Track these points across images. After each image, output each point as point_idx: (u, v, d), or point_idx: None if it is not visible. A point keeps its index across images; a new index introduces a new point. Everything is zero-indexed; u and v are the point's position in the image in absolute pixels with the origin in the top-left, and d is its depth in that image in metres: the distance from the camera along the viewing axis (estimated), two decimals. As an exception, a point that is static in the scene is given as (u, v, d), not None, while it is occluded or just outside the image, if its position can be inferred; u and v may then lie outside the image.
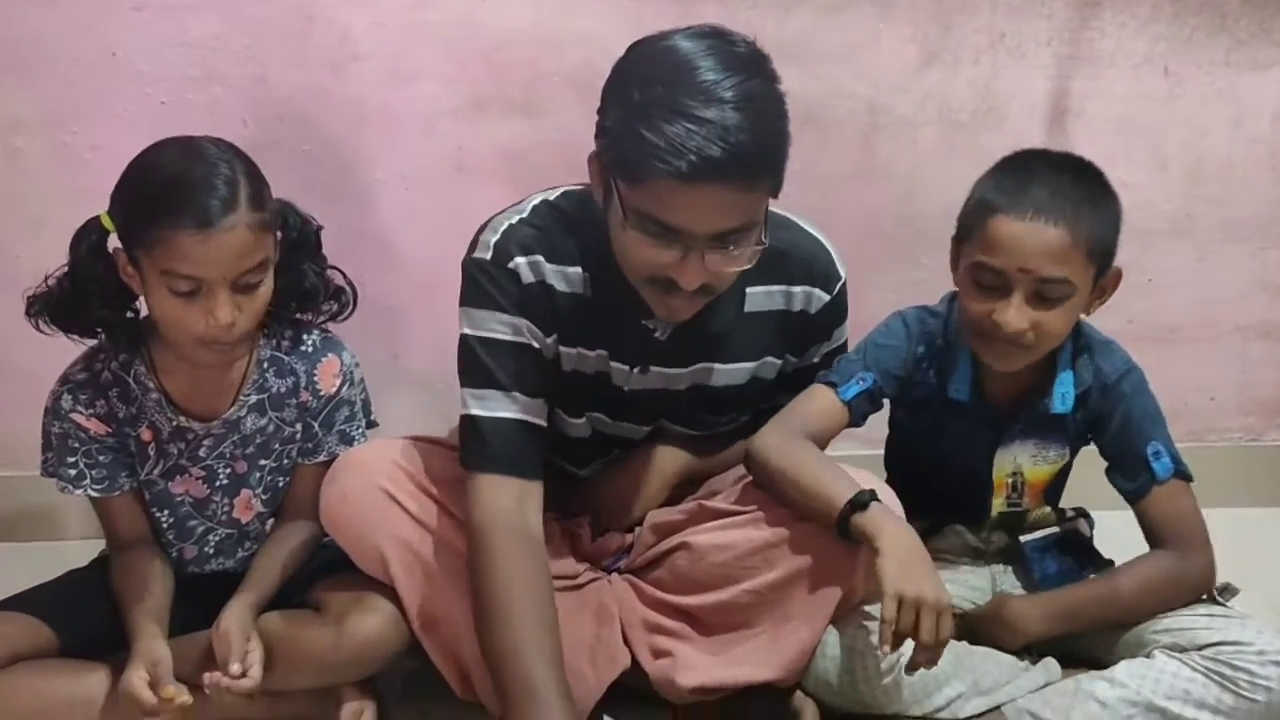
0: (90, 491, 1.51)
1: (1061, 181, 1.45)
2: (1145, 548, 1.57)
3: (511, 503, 1.40)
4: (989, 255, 1.45)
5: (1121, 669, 1.45)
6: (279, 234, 1.46)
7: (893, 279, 2.03)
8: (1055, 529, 1.64)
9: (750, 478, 1.52)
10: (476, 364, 1.44)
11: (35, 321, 1.46)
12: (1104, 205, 1.47)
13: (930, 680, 1.45)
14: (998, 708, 1.48)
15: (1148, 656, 1.46)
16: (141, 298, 1.43)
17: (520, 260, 1.44)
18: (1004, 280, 1.45)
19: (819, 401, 1.55)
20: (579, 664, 1.50)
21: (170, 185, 1.35)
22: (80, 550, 1.68)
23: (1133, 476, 1.56)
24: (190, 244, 1.33)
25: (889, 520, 1.36)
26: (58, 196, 1.87)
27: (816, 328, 1.57)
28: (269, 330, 1.54)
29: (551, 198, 1.50)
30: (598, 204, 1.39)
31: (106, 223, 1.41)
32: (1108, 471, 1.59)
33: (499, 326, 1.44)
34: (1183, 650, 1.44)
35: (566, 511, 1.64)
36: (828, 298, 1.54)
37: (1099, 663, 1.50)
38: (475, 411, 1.43)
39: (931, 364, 1.60)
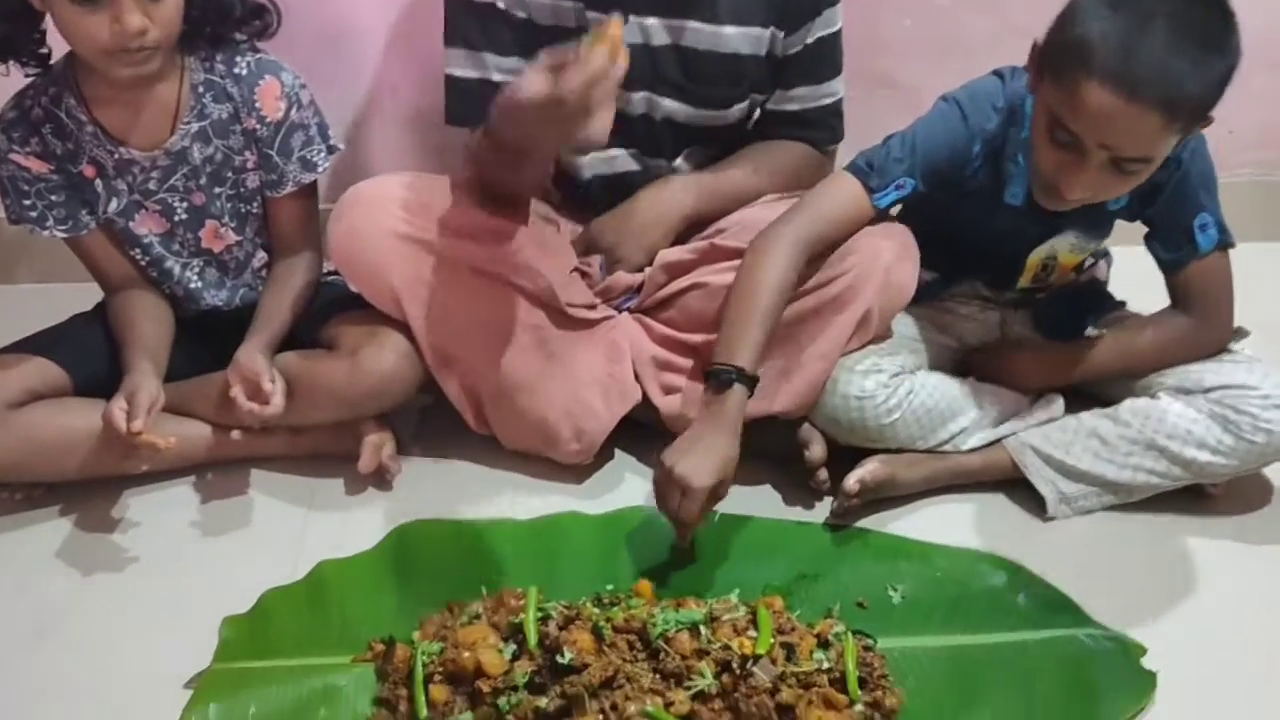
0: (56, 232, 1.49)
1: (1183, 43, 1.22)
2: (1160, 281, 1.52)
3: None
4: (1072, 118, 1.27)
5: (1125, 407, 1.47)
6: None
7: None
8: (1072, 277, 1.60)
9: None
10: (452, 21, 1.52)
11: None
12: (1221, 63, 1.25)
13: (935, 416, 1.48)
14: (1000, 441, 1.52)
15: (1152, 397, 1.47)
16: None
17: None
18: (1080, 145, 1.28)
19: (846, 203, 1.44)
20: (591, 399, 1.53)
21: None
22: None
23: (1174, 248, 1.46)
24: None
25: (714, 412, 1.34)
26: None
27: (807, 1, 1.52)
28: (196, 52, 1.48)
29: None
30: None
31: None
32: (1146, 238, 1.49)
33: None
34: (1188, 393, 1.45)
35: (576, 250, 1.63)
36: None
37: (1104, 400, 1.52)
38: (452, 69, 1.53)
39: (986, 164, 1.46)
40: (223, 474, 1.55)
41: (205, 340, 1.56)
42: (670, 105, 1.57)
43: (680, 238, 1.61)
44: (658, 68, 1.54)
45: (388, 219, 1.46)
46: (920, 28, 1.96)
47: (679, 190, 1.61)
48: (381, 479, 1.54)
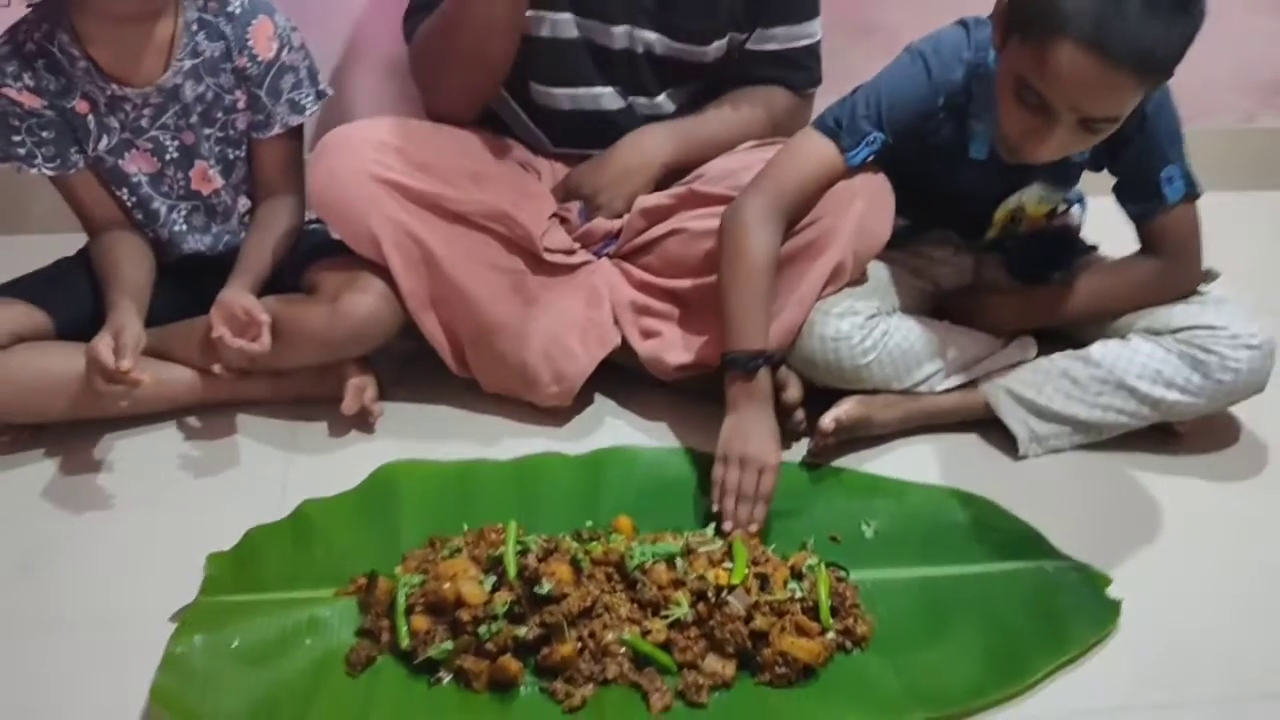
0: (44, 170, 1.49)
1: (1157, 4, 1.21)
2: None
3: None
4: (1043, 81, 1.26)
5: (1096, 349, 1.50)
6: None
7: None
8: (1044, 224, 1.62)
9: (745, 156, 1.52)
10: None
11: None
12: (1191, 23, 1.24)
13: (910, 357, 1.50)
14: (973, 382, 1.55)
15: (1123, 339, 1.50)
16: None
17: None
18: (1048, 107, 1.28)
19: (818, 164, 1.44)
20: (570, 343, 1.55)
21: None
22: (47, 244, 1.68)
23: (1142, 200, 1.47)
24: None
25: (752, 395, 1.38)
26: None
27: None
28: None
29: None
30: None
31: None
32: (1115, 189, 1.50)
33: None
34: (1157, 334, 1.47)
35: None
36: None
37: (1076, 343, 1.54)
38: None
39: (951, 118, 1.46)
40: (206, 417, 1.57)
41: (187, 285, 1.57)
42: (650, 37, 1.58)
43: (660, 184, 1.63)
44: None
45: (366, 162, 1.47)
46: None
47: (659, 137, 1.62)
48: (364, 421, 1.56)
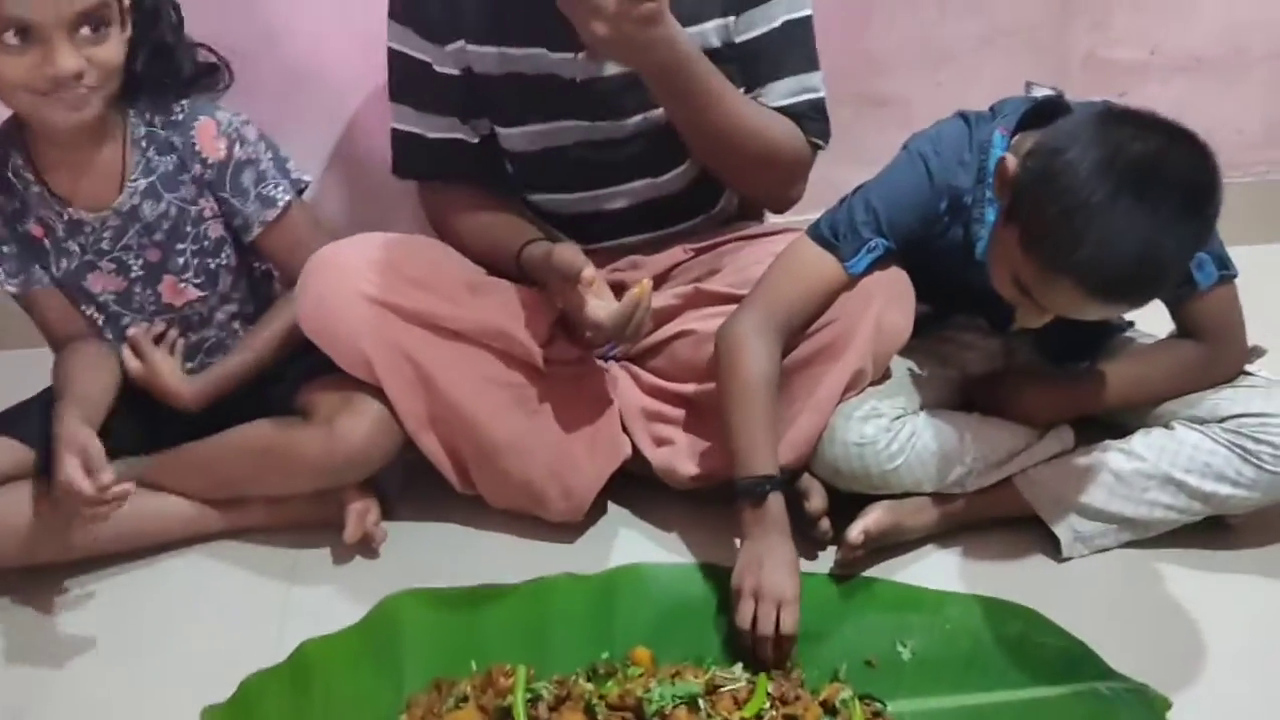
0: (8, 286, 1.46)
1: (1169, 248, 1.17)
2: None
3: (437, 212, 1.57)
4: (1038, 293, 1.24)
5: (1139, 440, 1.41)
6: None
7: None
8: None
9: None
10: (393, 76, 1.51)
11: None
12: (1201, 247, 1.25)
13: (941, 458, 1.42)
14: (1009, 478, 1.46)
15: (1166, 428, 1.41)
16: None
17: None
18: (1042, 307, 1.27)
19: (815, 278, 1.38)
20: (577, 455, 1.48)
21: None
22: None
23: (1173, 289, 1.36)
24: None
25: (763, 522, 1.31)
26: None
27: None
28: (136, 106, 1.44)
29: None
30: None
31: None
32: None
33: (408, 43, 1.46)
34: (1204, 422, 1.39)
35: None
36: None
37: (1117, 429, 1.46)
38: (398, 124, 1.53)
39: (956, 220, 1.40)
40: (200, 548, 1.50)
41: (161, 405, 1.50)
42: (657, 116, 1.47)
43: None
44: (634, 90, 1.44)
45: (356, 282, 1.41)
46: (907, 40, 1.90)
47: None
48: (367, 547, 1.49)
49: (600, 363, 1.55)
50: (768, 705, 1.16)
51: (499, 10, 1.42)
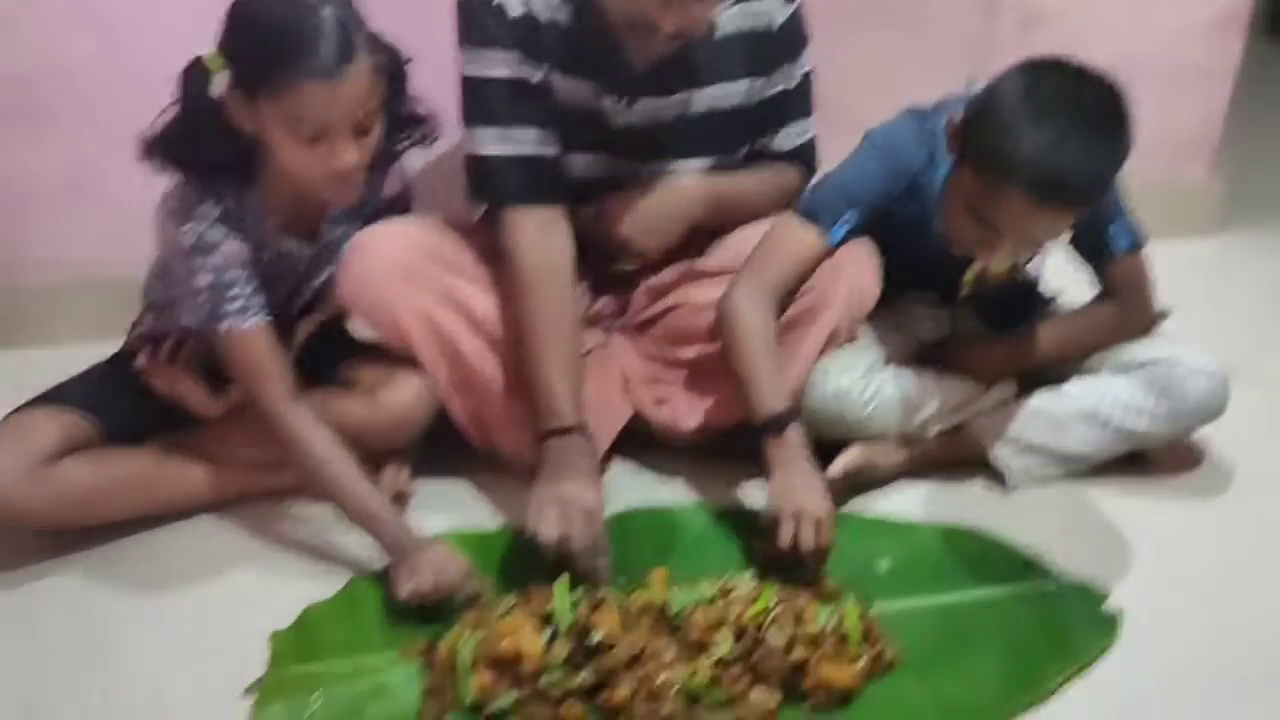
0: (257, 318, 1.47)
1: (1096, 145, 1.37)
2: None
3: (534, 235, 1.54)
4: (992, 214, 1.42)
5: (1070, 387, 1.64)
6: None
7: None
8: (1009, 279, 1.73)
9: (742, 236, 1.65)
10: (477, 102, 1.52)
11: (152, 162, 1.46)
12: (1125, 150, 1.40)
13: (905, 405, 1.63)
14: (963, 425, 1.68)
15: (1094, 375, 1.64)
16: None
17: None
18: (996, 229, 1.44)
19: (801, 247, 1.56)
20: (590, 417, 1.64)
21: (289, 36, 1.34)
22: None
23: (1093, 254, 1.62)
24: (317, 93, 1.34)
25: (790, 451, 1.46)
26: None
27: (782, 45, 1.62)
28: None
29: None
30: None
31: (213, 65, 1.39)
32: (1070, 242, 1.63)
33: (495, 63, 1.50)
34: (1125, 370, 1.62)
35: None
36: (789, 10, 1.60)
37: (1054, 383, 1.67)
38: (481, 149, 1.53)
39: (913, 199, 1.59)
40: (250, 504, 1.63)
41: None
42: (679, 163, 1.65)
43: (694, 239, 1.70)
44: (667, 136, 1.62)
45: (392, 260, 1.56)
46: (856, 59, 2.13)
47: (696, 187, 1.65)
48: (400, 504, 1.62)
49: (603, 336, 1.73)
50: (774, 603, 1.34)
51: (575, 42, 1.53)
